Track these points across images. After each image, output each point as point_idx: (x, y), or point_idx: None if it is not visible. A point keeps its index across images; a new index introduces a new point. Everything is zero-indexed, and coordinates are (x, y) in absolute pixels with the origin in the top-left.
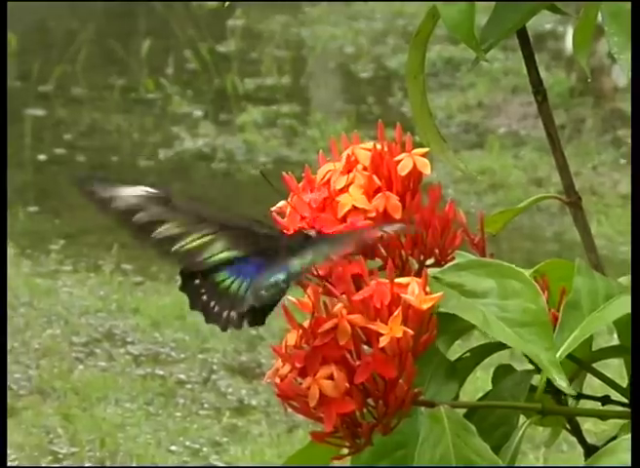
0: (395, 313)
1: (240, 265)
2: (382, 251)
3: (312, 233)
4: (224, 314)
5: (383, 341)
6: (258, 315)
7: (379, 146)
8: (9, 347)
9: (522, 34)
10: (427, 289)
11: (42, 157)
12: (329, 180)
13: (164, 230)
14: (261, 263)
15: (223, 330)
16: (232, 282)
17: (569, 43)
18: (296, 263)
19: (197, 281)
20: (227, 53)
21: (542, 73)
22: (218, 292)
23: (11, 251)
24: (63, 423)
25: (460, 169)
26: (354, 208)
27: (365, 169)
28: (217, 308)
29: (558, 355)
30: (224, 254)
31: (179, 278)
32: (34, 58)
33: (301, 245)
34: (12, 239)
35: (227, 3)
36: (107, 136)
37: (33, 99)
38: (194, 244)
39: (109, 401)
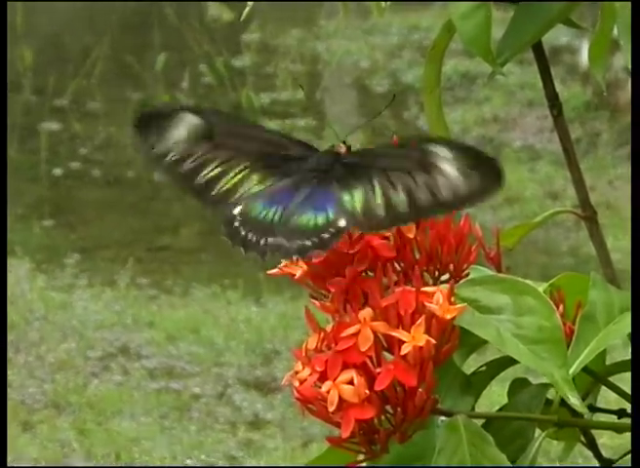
0: (418, 321)
1: (273, 194)
2: (397, 266)
3: (342, 152)
4: (262, 242)
5: (405, 349)
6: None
7: None
8: (23, 361)
9: (538, 48)
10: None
11: (57, 171)
12: None
13: (206, 173)
14: (294, 187)
15: (262, 257)
16: (267, 211)
17: (584, 57)
18: (346, 201)
19: (237, 223)
20: (243, 67)
21: (558, 87)
22: (253, 224)
23: (26, 265)
24: (78, 437)
25: None
26: None
27: None
28: (254, 238)
29: (574, 367)
30: (257, 187)
31: (221, 227)
32: (49, 73)
33: (339, 170)
34: (27, 253)
35: (243, 17)
36: (123, 150)
37: (48, 114)
38: (231, 183)
39: (124, 415)
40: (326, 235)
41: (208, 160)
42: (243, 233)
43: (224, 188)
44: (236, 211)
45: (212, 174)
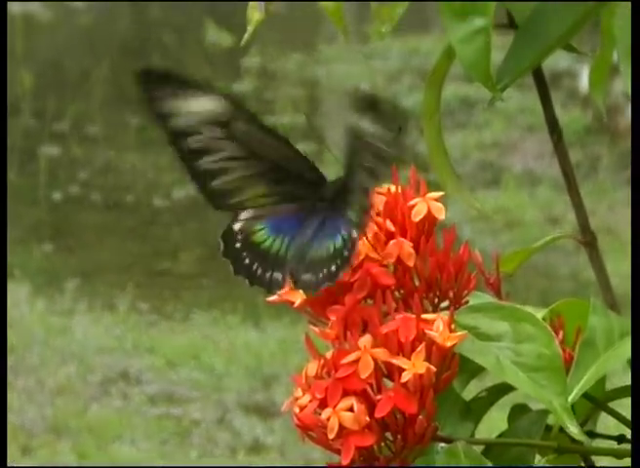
0: (419, 349)
1: (278, 220)
2: (397, 294)
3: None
4: (267, 276)
5: (406, 376)
6: (305, 281)
7: (392, 189)
8: (22, 385)
9: (538, 73)
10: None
11: (57, 195)
12: None
13: (209, 161)
14: (300, 218)
15: (268, 292)
16: (273, 241)
17: (584, 81)
18: (351, 216)
19: (238, 244)
20: (242, 92)
21: (558, 111)
22: (259, 254)
23: (26, 289)
24: (78, 462)
25: (475, 207)
26: (369, 256)
27: (379, 213)
28: (259, 270)
29: (574, 393)
30: (261, 201)
31: (220, 243)
32: (49, 97)
33: (341, 198)
34: (27, 277)
35: (242, 42)
36: (122, 174)
37: (48, 138)
38: (235, 182)
39: (124, 440)
40: (346, 252)
41: (215, 147)
42: (247, 262)
43: (227, 185)
44: (237, 227)
45: (216, 165)
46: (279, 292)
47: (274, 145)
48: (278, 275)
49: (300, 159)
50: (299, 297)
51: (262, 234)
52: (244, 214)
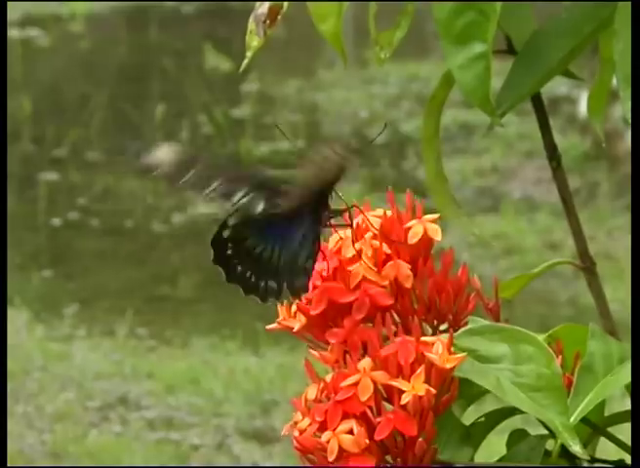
0: (418, 371)
1: (268, 228)
2: (395, 316)
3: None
4: (262, 284)
5: (405, 399)
6: (298, 287)
7: (389, 213)
8: (22, 411)
9: (536, 99)
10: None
11: (56, 221)
12: (340, 249)
13: (215, 187)
14: (288, 227)
15: (263, 301)
16: (264, 249)
17: (583, 107)
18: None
19: (229, 251)
20: (241, 117)
21: (557, 137)
22: (252, 261)
23: (25, 315)
24: None
25: (474, 233)
26: (366, 277)
27: (375, 236)
28: (253, 278)
29: (572, 419)
30: (258, 206)
31: (211, 250)
32: (48, 122)
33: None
34: (26, 303)
35: (242, 68)
36: (121, 200)
37: (47, 164)
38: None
39: (123, 465)
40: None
41: (207, 176)
42: (240, 269)
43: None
44: (226, 234)
45: (215, 187)
46: (277, 319)
47: (244, 173)
48: (273, 284)
49: (277, 179)
50: (297, 323)
51: (253, 241)
52: (232, 221)
